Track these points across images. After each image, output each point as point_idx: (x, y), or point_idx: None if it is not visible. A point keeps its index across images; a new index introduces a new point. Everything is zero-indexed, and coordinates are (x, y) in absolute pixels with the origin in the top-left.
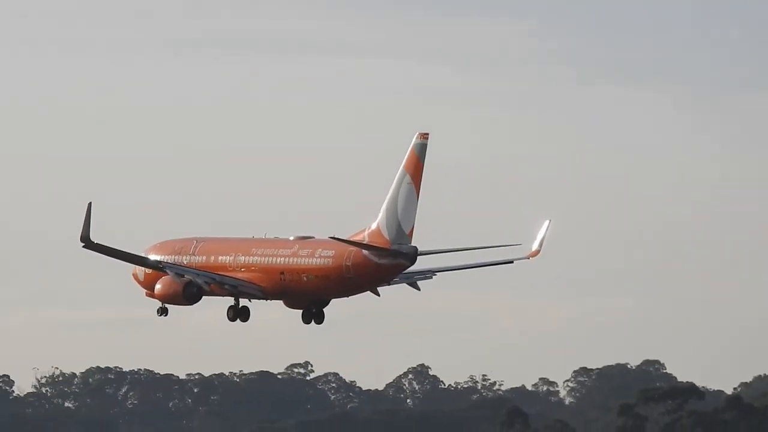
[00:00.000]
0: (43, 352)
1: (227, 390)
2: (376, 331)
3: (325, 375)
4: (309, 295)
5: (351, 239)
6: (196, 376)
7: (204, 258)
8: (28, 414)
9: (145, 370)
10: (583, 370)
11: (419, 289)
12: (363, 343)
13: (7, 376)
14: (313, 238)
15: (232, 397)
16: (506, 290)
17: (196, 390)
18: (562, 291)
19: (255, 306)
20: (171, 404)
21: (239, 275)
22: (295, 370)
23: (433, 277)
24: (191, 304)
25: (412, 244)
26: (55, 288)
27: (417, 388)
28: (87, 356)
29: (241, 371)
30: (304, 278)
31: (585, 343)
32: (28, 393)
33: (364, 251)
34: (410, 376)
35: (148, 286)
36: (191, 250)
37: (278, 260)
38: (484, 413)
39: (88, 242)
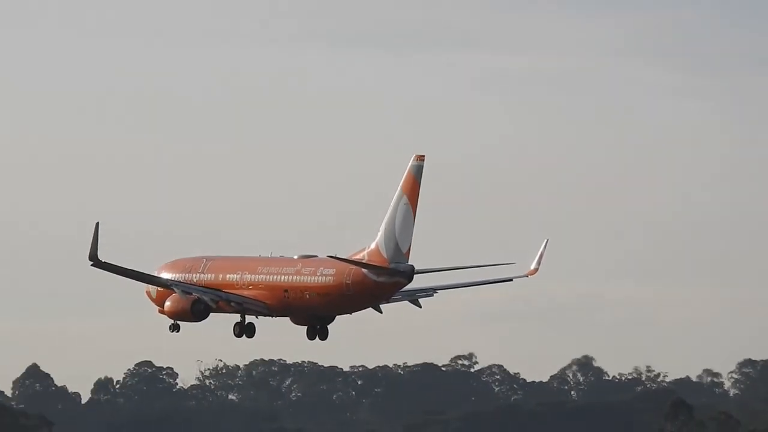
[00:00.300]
0: (206, 345)
1: (391, 382)
2: (539, 323)
3: (489, 367)
4: (312, 311)
5: (351, 258)
6: (360, 369)
7: (213, 276)
8: (192, 406)
9: (309, 362)
10: (748, 362)
11: (420, 306)
12: (527, 335)
13: (171, 369)
14: (317, 256)
15: (395, 389)
16: (671, 282)
17: (359, 382)
18: (728, 282)
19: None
20: (335, 396)
21: (246, 293)
22: (459, 362)
23: (434, 294)
24: (199, 320)
25: (409, 262)
26: None
27: (581, 379)
28: (251, 349)
29: (405, 363)
30: (307, 296)
31: (750, 334)
32: (191, 386)
33: (364, 270)
34: (574, 367)
35: (160, 303)
36: (201, 268)
37: (282, 278)
38: (648, 405)
39: (96, 261)
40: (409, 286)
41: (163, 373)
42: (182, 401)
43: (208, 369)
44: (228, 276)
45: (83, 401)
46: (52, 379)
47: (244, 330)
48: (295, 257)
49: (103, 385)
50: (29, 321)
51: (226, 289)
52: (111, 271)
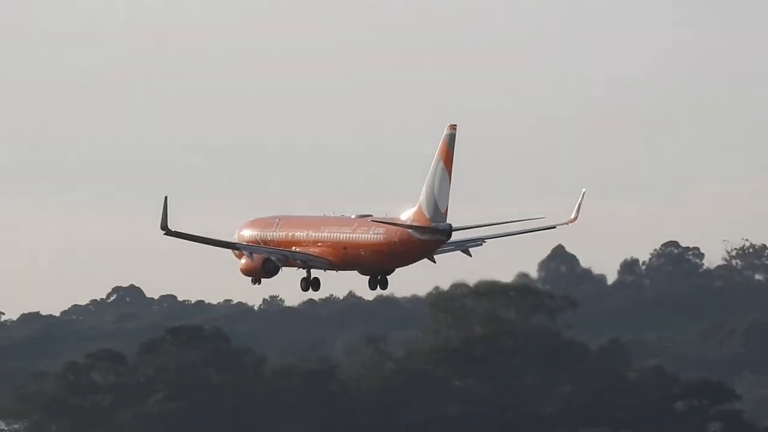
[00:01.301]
0: (733, 224)
1: None
2: None
3: None
4: (367, 266)
5: (400, 218)
6: None
7: (284, 234)
8: (718, 287)
9: None
10: None
11: (471, 255)
12: None
13: (697, 249)
14: (372, 215)
15: None
16: None
17: None
18: None
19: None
20: None
21: (311, 250)
22: None
23: (483, 243)
24: (270, 277)
25: (447, 221)
26: None
27: None
28: None
29: None
30: (362, 252)
31: None
32: (717, 266)
33: (409, 230)
34: None
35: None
36: (274, 226)
37: (341, 236)
38: None
39: (167, 230)
40: (461, 238)
41: (689, 253)
42: (708, 281)
43: (735, 249)
44: (296, 233)
45: (609, 282)
46: (577, 260)
47: (310, 284)
48: (353, 216)
49: (629, 267)
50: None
51: (295, 246)
52: (183, 238)
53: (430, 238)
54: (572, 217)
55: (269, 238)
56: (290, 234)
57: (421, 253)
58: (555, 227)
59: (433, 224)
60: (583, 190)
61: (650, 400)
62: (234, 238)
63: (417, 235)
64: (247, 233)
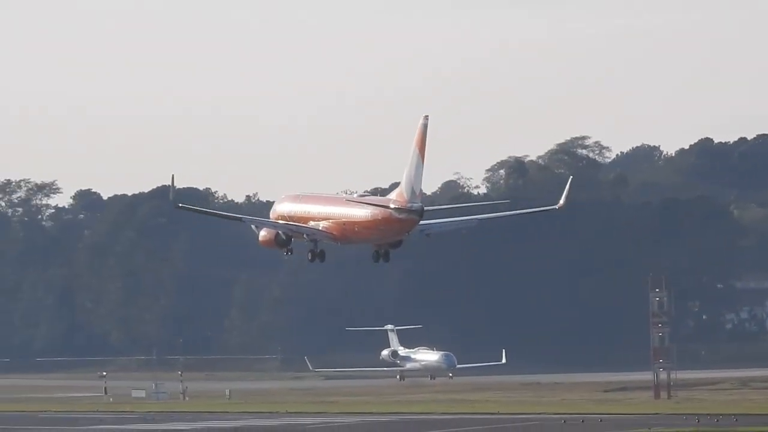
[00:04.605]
0: None
1: None
2: None
3: None
4: (363, 241)
5: (381, 199)
6: None
7: (302, 209)
8: None
9: None
10: None
11: (464, 233)
12: None
13: None
14: (368, 195)
15: None
16: None
17: None
18: None
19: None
20: None
21: (320, 224)
22: None
23: (478, 223)
24: (283, 248)
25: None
26: None
27: None
28: None
29: None
30: (356, 228)
31: None
32: None
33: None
34: None
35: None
36: (297, 201)
37: (341, 213)
38: None
39: (176, 206)
40: (457, 218)
41: None
42: None
43: None
44: (310, 209)
45: None
46: None
47: (317, 256)
48: (355, 195)
49: None
50: None
51: (311, 220)
52: (193, 212)
53: (407, 217)
54: (561, 203)
55: (293, 212)
56: (306, 210)
57: (402, 230)
58: (548, 210)
59: (408, 204)
60: (571, 177)
61: None
62: (271, 211)
63: (396, 214)
64: (279, 207)
